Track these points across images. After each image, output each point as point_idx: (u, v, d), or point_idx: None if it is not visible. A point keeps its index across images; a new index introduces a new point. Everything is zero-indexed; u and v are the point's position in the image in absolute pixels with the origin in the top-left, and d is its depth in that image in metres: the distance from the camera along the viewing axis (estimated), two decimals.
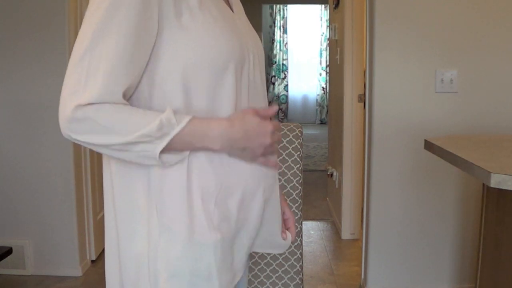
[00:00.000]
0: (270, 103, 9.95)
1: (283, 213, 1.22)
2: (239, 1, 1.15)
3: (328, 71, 6.64)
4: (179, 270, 0.93)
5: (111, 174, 0.99)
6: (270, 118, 1.03)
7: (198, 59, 0.93)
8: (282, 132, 1.62)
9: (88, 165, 3.24)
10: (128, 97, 0.94)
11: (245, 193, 1.01)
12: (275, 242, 1.16)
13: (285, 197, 1.63)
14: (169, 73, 0.93)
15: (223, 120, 0.96)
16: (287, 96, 10.00)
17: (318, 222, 4.16)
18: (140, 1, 0.88)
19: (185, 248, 0.93)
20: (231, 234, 0.99)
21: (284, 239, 1.17)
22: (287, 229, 1.22)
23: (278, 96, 9.97)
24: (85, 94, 0.86)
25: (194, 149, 0.94)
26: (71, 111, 0.86)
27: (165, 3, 0.91)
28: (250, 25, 1.13)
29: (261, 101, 1.11)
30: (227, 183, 0.98)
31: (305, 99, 10.10)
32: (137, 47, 0.90)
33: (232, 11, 1.07)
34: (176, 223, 0.93)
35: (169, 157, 0.93)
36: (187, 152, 0.94)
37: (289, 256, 1.65)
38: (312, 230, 3.96)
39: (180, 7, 0.93)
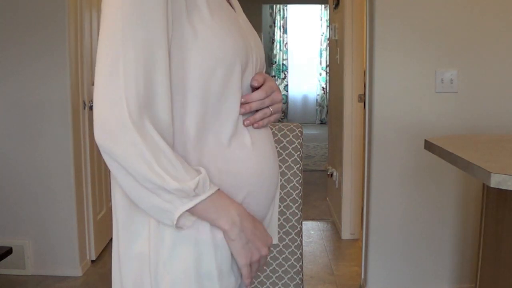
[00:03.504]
0: None
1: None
2: (238, 1, 1.15)
3: (328, 71, 6.64)
4: (182, 270, 0.93)
5: None
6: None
7: (206, 62, 0.93)
8: (282, 132, 1.62)
9: (88, 165, 3.24)
10: None
11: (249, 194, 1.00)
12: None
13: (285, 197, 1.64)
14: (179, 79, 0.93)
15: (242, 206, 0.96)
16: (287, 96, 10.00)
17: (318, 222, 4.16)
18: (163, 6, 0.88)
19: (187, 247, 0.93)
20: None
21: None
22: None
23: None
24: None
25: (204, 219, 0.93)
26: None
27: (178, 3, 0.91)
28: (251, 25, 1.13)
29: None
30: (231, 182, 0.97)
31: (305, 99, 10.10)
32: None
33: (234, 10, 1.07)
34: None
35: (184, 221, 0.91)
36: (194, 218, 0.93)
37: (289, 256, 1.65)
38: (312, 230, 3.96)
39: (191, 8, 0.93)
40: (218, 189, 0.93)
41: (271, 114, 1.03)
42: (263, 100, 1.01)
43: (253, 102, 0.99)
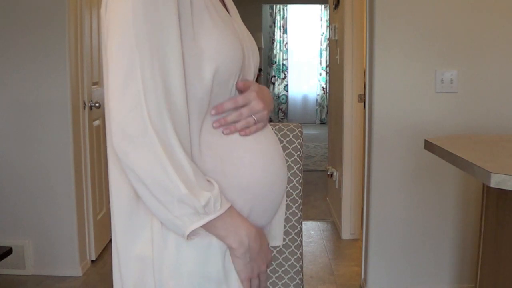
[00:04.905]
0: None
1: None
2: (233, 4, 1.14)
3: (328, 71, 6.64)
4: (187, 273, 0.92)
5: (114, 174, 0.98)
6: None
7: (206, 69, 0.92)
8: (282, 132, 1.62)
9: (88, 165, 3.24)
10: None
11: (255, 205, 0.99)
12: (274, 236, 1.15)
13: (285, 197, 1.63)
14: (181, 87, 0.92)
15: (252, 227, 0.95)
16: (287, 96, 10.00)
17: (318, 222, 4.16)
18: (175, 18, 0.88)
19: (192, 250, 0.92)
20: None
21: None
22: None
23: (278, 96, 9.97)
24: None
25: (214, 234, 0.92)
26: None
27: (185, 12, 0.90)
28: (245, 27, 1.12)
29: None
30: (240, 185, 0.96)
31: (305, 99, 10.09)
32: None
33: (229, 14, 1.07)
34: None
35: (194, 232, 0.90)
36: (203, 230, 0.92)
37: (289, 256, 1.65)
38: (312, 230, 3.96)
39: (195, 14, 0.92)
40: (230, 207, 0.91)
41: (255, 122, 0.99)
42: (241, 111, 0.98)
43: (229, 116, 0.96)
